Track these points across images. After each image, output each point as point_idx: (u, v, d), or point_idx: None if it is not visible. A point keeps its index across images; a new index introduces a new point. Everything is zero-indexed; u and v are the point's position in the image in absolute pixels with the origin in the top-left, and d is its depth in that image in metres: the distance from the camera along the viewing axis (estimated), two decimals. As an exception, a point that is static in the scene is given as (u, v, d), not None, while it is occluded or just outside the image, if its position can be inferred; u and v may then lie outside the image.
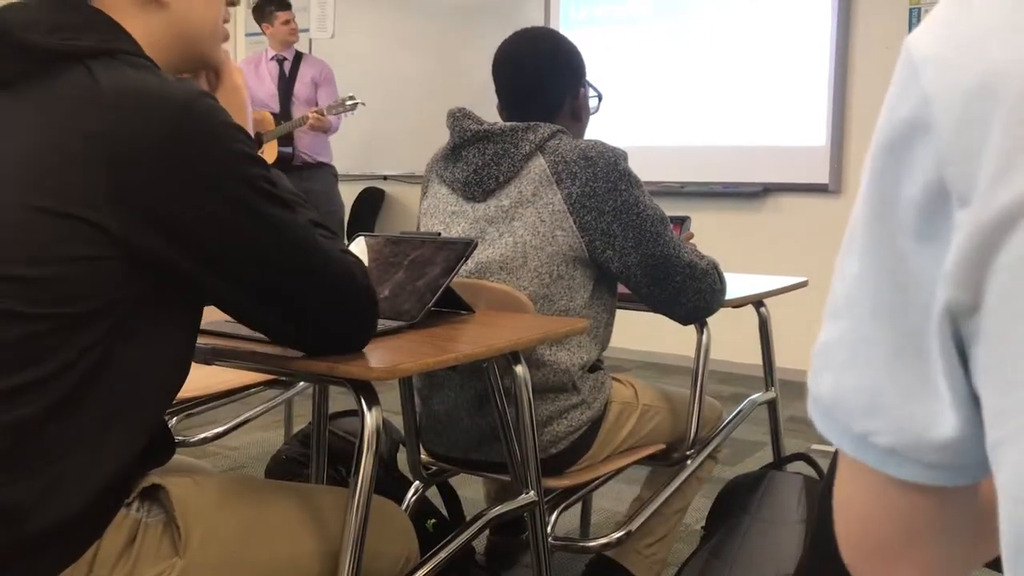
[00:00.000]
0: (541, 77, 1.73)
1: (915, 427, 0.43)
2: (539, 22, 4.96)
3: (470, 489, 2.47)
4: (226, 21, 1.16)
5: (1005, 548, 0.39)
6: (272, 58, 4.73)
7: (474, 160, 1.65)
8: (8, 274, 0.90)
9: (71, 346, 0.92)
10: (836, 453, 0.50)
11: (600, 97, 1.84)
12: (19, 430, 0.90)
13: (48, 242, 0.91)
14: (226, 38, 1.17)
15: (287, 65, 4.71)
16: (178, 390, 1.07)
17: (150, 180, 0.92)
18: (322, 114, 4.41)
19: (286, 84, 4.69)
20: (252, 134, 1.08)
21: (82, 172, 0.91)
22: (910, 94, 0.42)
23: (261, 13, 4.73)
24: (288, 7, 4.73)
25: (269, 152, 4.58)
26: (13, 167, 0.92)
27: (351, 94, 4.48)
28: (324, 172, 4.73)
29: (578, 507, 2.36)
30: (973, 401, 0.42)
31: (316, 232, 1.05)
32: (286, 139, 4.59)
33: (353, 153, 5.60)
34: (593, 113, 1.84)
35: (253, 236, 0.99)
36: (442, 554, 1.32)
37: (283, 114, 4.62)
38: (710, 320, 1.83)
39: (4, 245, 0.91)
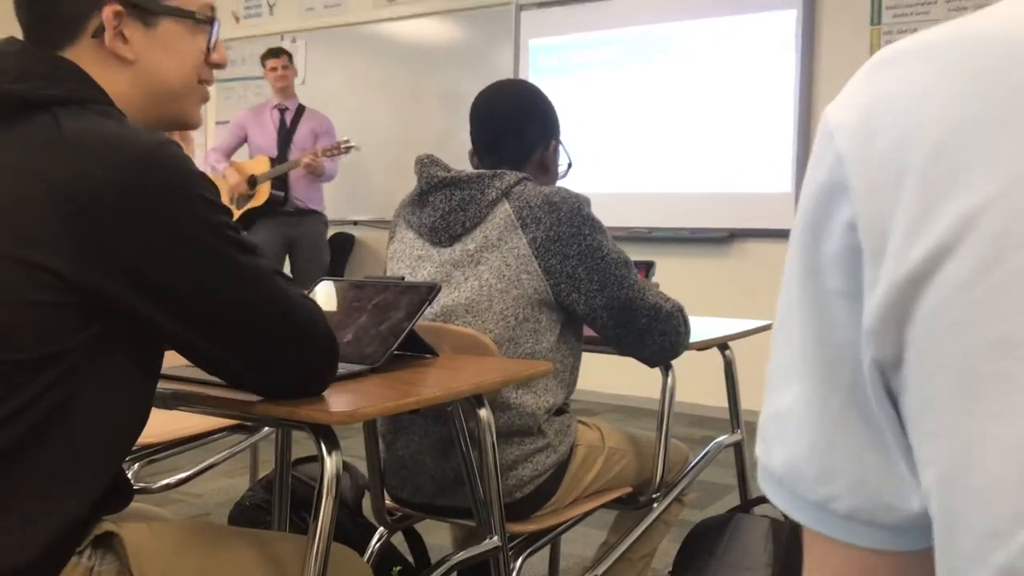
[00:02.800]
0: (513, 123, 1.76)
1: (873, 490, 0.43)
2: (509, 70, 5.03)
3: (437, 535, 2.44)
4: (208, 83, 1.15)
5: None
6: (275, 107, 4.90)
7: (441, 206, 1.67)
8: None
9: (23, 393, 0.91)
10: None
11: (570, 165, 1.87)
12: None
13: (7, 285, 0.90)
14: (205, 99, 1.15)
15: (288, 115, 4.88)
16: (136, 437, 1.05)
17: (111, 226, 0.91)
18: (316, 155, 4.58)
19: (286, 132, 4.85)
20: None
21: (40, 217, 0.90)
22: (827, 157, 0.44)
23: (262, 63, 4.98)
24: (277, 55, 4.91)
25: (261, 193, 4.73)
26: None
27: (347, 138, 4.63)
28: (315, 219, 4.90)
29: (547, 553, 2.34)
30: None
31: (278, 278, 1.06)
32: (280, 183, 4.73)
33: (325, 198, 5.61)
34: (560, 178, 1.86)
35: (217, 281, 0.99)
36: (404, 601, 1.31)
37: (280, 160, 4.77)
38: (677, 363, 1.84)
39: None
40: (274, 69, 4.84)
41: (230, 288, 1.00)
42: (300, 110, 4.92)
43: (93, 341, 0.94)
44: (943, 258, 0.38)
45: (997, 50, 0.39)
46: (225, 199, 4.54)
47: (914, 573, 0.44)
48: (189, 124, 1.15)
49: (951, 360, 0.38)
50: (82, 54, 1.03)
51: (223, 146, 4.91)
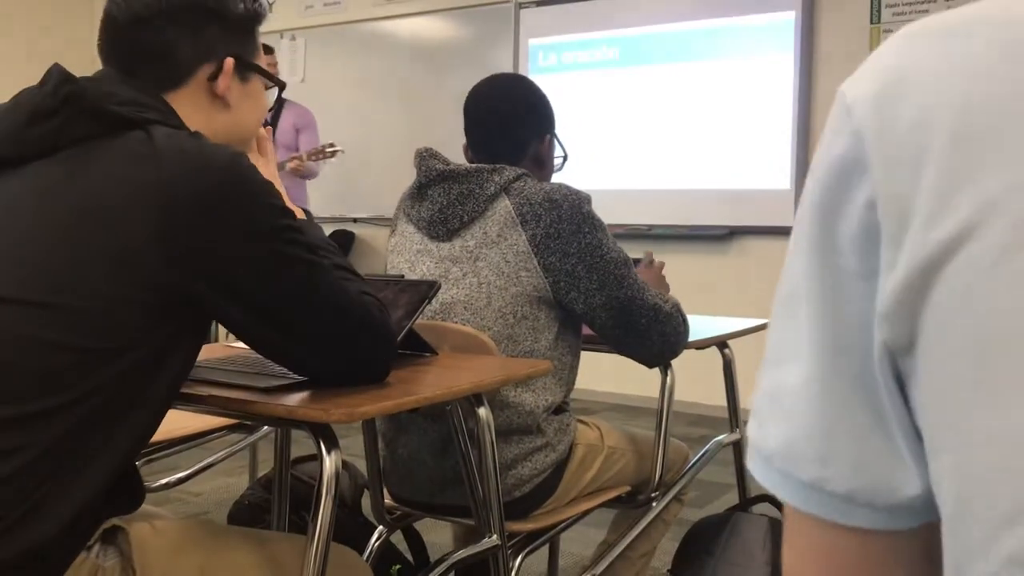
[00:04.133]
0: (512, 117, 1.75)
1: (873, 473, 0.43)
2: (508, 67, 5.01)
3: (437, 534, 2.44)
4: None
5: None
6: None
7: (439, 199, 1.66)
8: (56, 303, 0.98)
9: (96, 377, 0.99)
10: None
11: (565, 157, 1.87)
12: (29, 454, 0.95)
13: (97, 279, 0.99)
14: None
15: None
16: (155, 430, 1.09)
17: (196, 227, 1.02)
18: (302, 160, 4.49)
19: (266, 126, 4.73)
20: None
21: (133, 218, 1.00)
22: (844, 132, 0.42)
23: None
24: (271, 52, 4.82)
25: None
26: (74, 213, 1.02)
27: (331, 141, 4.53)
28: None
29: (546, 551, 2.34)
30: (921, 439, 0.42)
31: (339, 275, 1.15)
32: None
33: (323, 196, 5.60)
34: (556, 171, 1.86)
35: (282, 277, 1.09)
36: (404, 600, 1.31)
37: None
38: (676, 362, 1.84)
39: (56, 279, 0.99)
40: (272, 66, 4.79)
41: (294, 284, 1.10)
42: (280, 103, 4.85)
43: (164, 336, 1.03)
44: (961, 243, 0.37)
45: (1022, 34, 0.39)
46: None
47: (905, 550, 0.44)
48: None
49: (966, 347, 0.38)
50: (186, 94, 1.16)
51: None
